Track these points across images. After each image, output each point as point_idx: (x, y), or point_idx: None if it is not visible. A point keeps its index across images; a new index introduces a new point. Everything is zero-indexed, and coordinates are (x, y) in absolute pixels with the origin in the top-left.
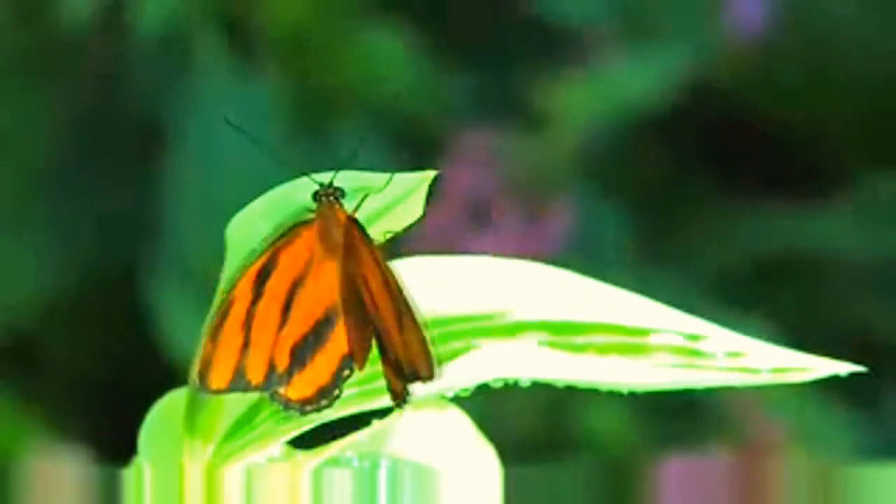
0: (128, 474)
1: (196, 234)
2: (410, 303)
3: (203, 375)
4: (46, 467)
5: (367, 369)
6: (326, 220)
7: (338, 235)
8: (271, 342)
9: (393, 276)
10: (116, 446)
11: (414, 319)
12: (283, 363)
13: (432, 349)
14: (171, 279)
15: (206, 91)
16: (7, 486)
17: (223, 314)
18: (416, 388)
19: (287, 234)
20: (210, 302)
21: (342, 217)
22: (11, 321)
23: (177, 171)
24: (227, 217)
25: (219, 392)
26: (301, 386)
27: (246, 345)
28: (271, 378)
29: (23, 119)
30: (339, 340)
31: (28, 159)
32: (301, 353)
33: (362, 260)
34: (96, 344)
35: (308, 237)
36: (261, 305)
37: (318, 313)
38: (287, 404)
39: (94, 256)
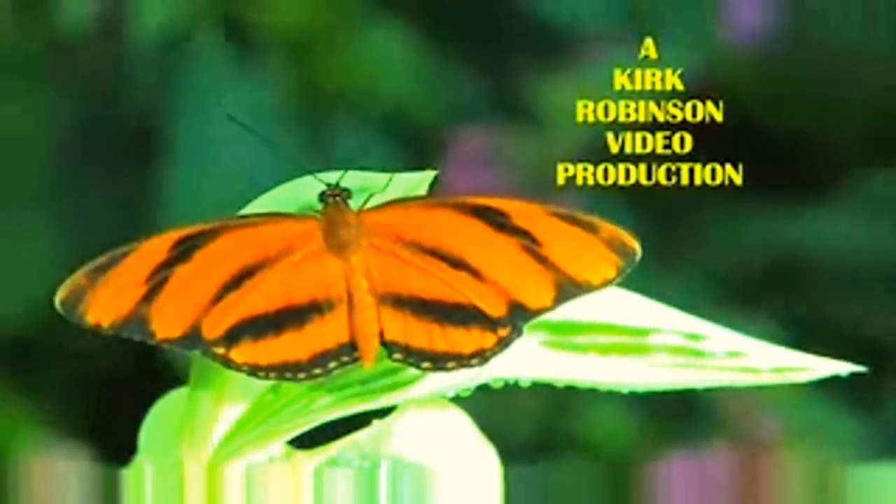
0: (128, 474)
1: None
2: (452, 254)
3: (73, 305)
4: (46, 467)
5: (368, 369)
6: (333, 220)
7: (345, 235)
8: (200, 307)
9: (431, 233)
10: (116, 446)
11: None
12: (216, 330)
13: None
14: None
15: (206, 91)
16: (7, 485)
17: (115, 259)
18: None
19: (242, 218)
20: None
21: (350, 217)
22: (12, 321)
23: (176, 172)
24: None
25: (96, 328)
26: (256, 353)
27: (148, 297)
28: (193, 339)
29: (23, 120)
30: (329, 328)
31: (28, 160)
32: (257, 327)
33: (391, 251)
34: (96, 344)
35: (285, 229)
36: (184, 270)
37: (299, 299)
38: (228, 363)
39: (94, 256)
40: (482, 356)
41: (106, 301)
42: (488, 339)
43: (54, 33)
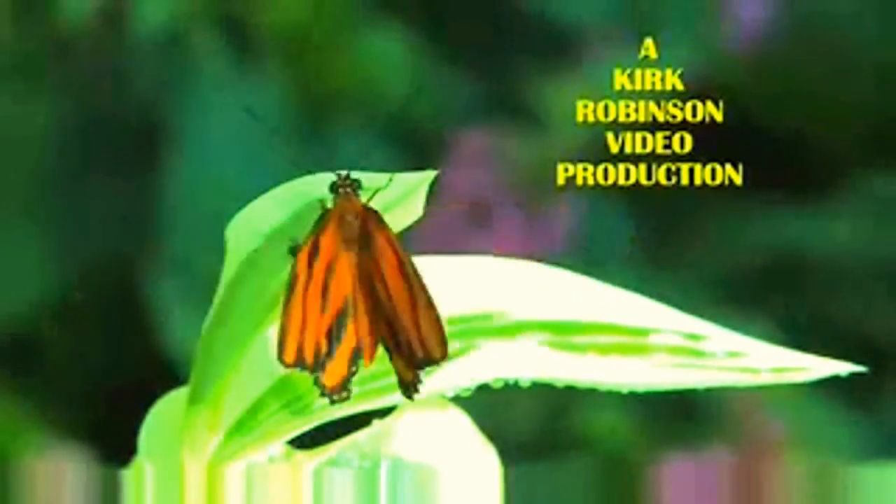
0: (128, 474)
1: (196, 234)
2: (424, 287)
3: (279, 349)
4: (46, 467)
5: (368, 369)
6: (344, 211)
7: (355, 227)
8: (317, 325)
9: (409, 260)
10: (116, 446)
11: (428, 299)
12: (324, 348)
13: (443, 330)
14: (171, 279)
15: (206, 91)
16: (7, 486)
17: (290, 290)
18: (427, 377)
19: (322, 219)
20: (210, 302)
21: (359, 208)
22: (11, 321)
23: (177, 171)
24: (227, 217)
25: (290, 366)
26: (330, 374)
27: (304, 323)
28: (318, 360)
29: (23, 119)
30: (351, 334)
31: (28, 159)
32: (330, 342)
33: (378, 247)
34: (96, 344)
35: (333, 226)
36: (310, 287)
37: (339, 304)
38: (322, 390)
39: (95, 256)
40: (404, 388)
41: (289, 337)
42: (409, 373)
43: (54, 32)
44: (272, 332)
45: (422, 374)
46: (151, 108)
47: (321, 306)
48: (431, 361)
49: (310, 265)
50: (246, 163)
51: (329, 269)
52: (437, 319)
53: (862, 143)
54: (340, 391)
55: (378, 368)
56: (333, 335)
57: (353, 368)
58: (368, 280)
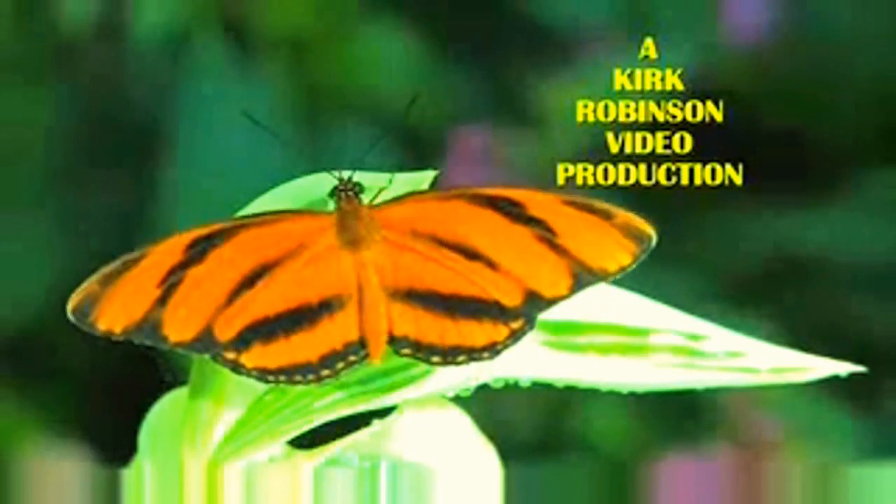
0: (128, 474)
1: None
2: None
3: (84, 312)
4: (46, 467)
5: (368, 369)
6: (346, 214)
7: (358, 230)
8: (213, 309)
9: (454, 226)
10: (116, 446)
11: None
12: (228, 332)
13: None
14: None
15: (206, 91)
16: (7, 485)
17: (128, 264)
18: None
19: (257, 217)
20: None
21: (363, 211)
22: (12, 321)
23: (177, 171)
24: (227, 217)
25: (108, 334)
26: (266, 357)
27: (162, 301)
28: (206, 342)
29: (24, 119)
30: (338, 327)
31: (28, 159)
32: (269, 329)
33: (405, 245)
34: (97, 344)
35: (300, 225)
36: (197, 271)
37: (311, 298)
38: (238, 369)
39: (95, 256)
40: (493, 349)
41: (118, 307)
42: (500, 332)
43: (55, 33)
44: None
45: (526, 318)
46: (152, 109)
47: (229, 295)
48: (551, 300)
49: (200, 252)
50: (246, 163)
51: (271, 265)
52: (519, 254)
53: (862, 142)
54: (291, 373)
55: (378, 368)
56: (281, 324)
57: (352, 359)
58: (394, 275)
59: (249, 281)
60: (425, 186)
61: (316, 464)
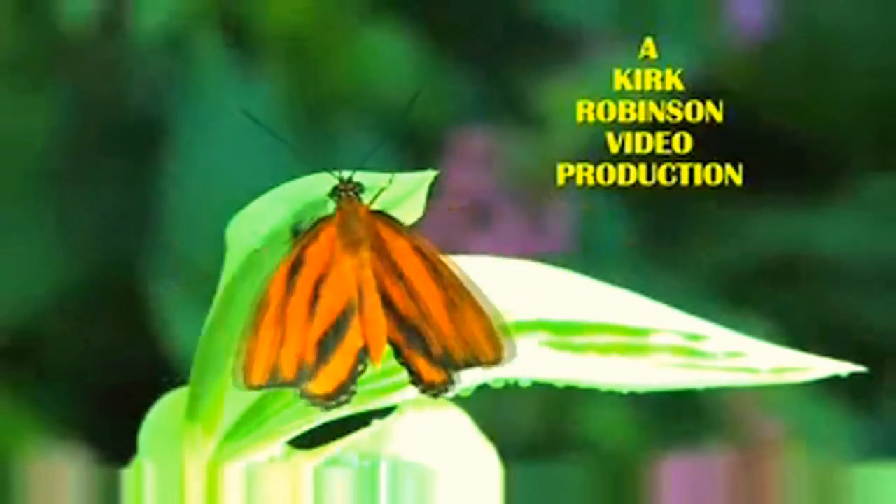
0: (128, 474)
1: (196, 234)
2: (467, 287)
3: (244, 371)
4: (46, 467)
5: (368, 369)
6: (346, 215)
7: (358, 230)
8: (301, 338)
9: (443, 263)
10: (116, 446)
11: (473, 304)
12: (310, 358)
13: (499, 331)
14: (171, 279)
15: (207, 91)
16: (7, 486)
17: (262, 310)
18: (468, 375)
19: (311, 229)
20: (210, 302)
21: (362, 212)
22: (12, 321)
23: (177, 171)
24: (227, 217)
25: (257, 388)
26: (324, 381)
27: (281, 341)
28: (302, 373)
29: (23, 119)
30: (354, 335)
31: (29, 159)
32: (324, 349)
33: (395, 250)
34: (96, 344)
35: (329, 232)
36: (292, 301)
37: (338, 308)
38: (312, 399)
39: (95, 256)
40: (433, 389)
41: (259, 358)
42: (439, 374)
43: (55, 32)
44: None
45: (456, 374)
46: (151, 108)
47: (307, 317)
48: (480, 364)
49: (290, 280)
50: (246, 163)
51: (320, 279)
52: (487, 325)
53: (862, 142)
54: (337, 396)
55: (378, 369)
56: (329, 341)
57: (361, 368)
58: (379, 281)
59: (314, 302)
60: (425, 187)
61: (316, 464)
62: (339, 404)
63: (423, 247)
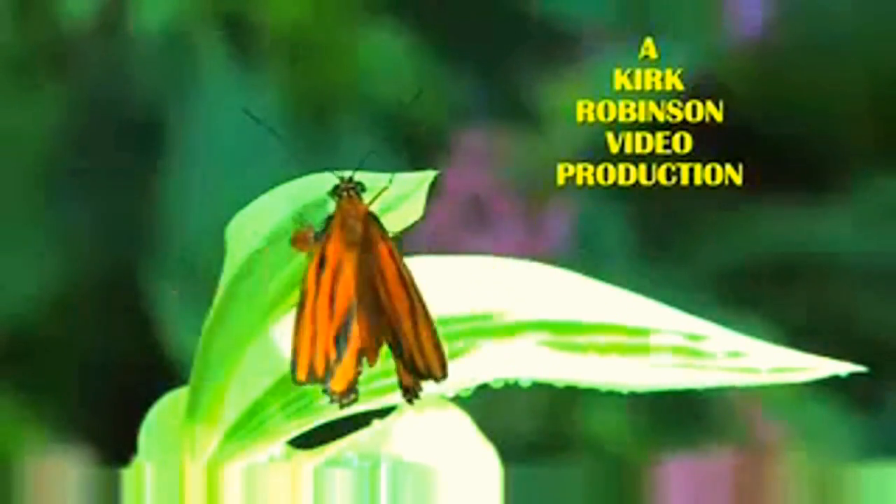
0: (128, 474)
1: (196, 234)
2: (422, 300)
3: (292, 368)
4: (46, 467)
5: (368, 369)
6: (347, 214)
7: (358, 229)
8: (325, 335)
9: (408, 272)
10: (116, 446)
11: (426, 317)
12: (332, 355)
13: (443, 348)
14: (172, 279)
15: (207, 91)
16: (7, 486)
17: (300, 308)
18: (427, 386)
19: (327, 226)
20: (210, 302)
21: (361, 211)
22: (12, 321)
23: (177, 171)
24: (227, 217)
25: (303, 384)
26: (339, 379)
27: (313, 338)
28: (328, 370)
29: (23, 119)
30: (356, 335)
31: (29, 159)
32: (339, 347)
33: (379, 254)
34: (97, 344)
35: (336, 231)
36: (319, 299)
37: (345, 307)
38: (332, 397)
39: (95, 256)
40: (406, 393)
41: (300, 356)
42: (409, 378)
43: (55, 32)
44: (280, 342)
45: (422, 382)
46: (152, 108)
47: (329, 315)
48: (431, 377)
49: (318, 277)
50: (246, 163)
51: (335, 276)
52: (435, 340)
53: (862, 142)
54: (349, 394)
55: (378, 368)
56: (341, 340)
57: (360, 369)
58: (371, 282)
59: (332, 301)
60: (425, 187)
61: (316, 464)
62: (349, 403)
63: (395, 252)
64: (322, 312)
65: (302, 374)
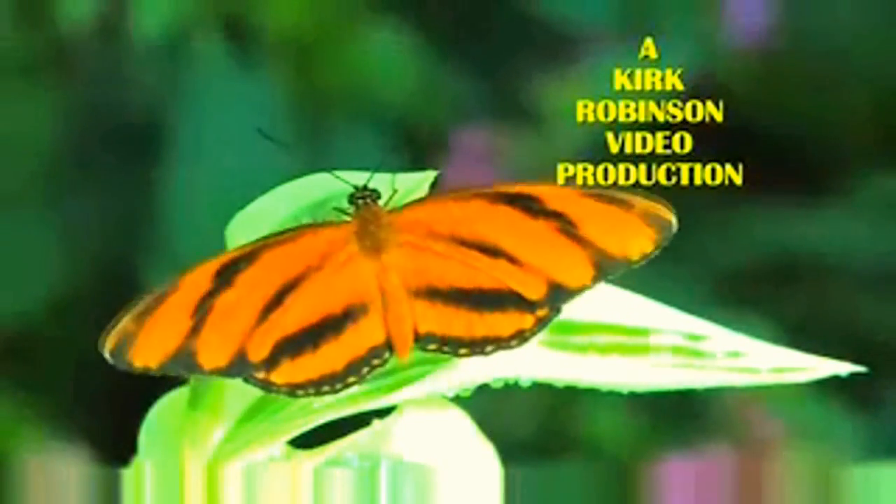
0: (128, 474)
1: (196, 234)
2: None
3: (121, 351)
4: (46, 467)
5: (369, 369)
6: (366, 221)
7: (380, 235)
8: (243, 332)
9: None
10: (116, 446)
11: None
12: (261, 352)
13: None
14: (171, 279)
15: (207, 91)
16: (6, 485)
17: (159, 298)
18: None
19: (279, 235)
20: None
21: (383, 216)
22: (12, 320)
23: (177, 171)
24: (227, 217)
25: (145, 370)
26: (294, 372)
27: (195, 330)
28: (240, 365)
29: (24, 121)
30: (363, 333)
31: (30, 160)
32: (297, 343)
33: (425, 246)
34: (97, 344)
35: (322, 238)
36: (227, 297)
37: (335, 308)
38: (268, 387)
39: (95, 256)
40: (521, 337)
41: (154, 342)
42: (527, 321)
43: (55, 33)
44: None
45: (551, 306)
46: (152, 109)
47: (258, 316)
48: (575, 290)
49: (225, 278)
50: (246, 163)
51: (294, 282)
52: (541, 248)
53: (862, 142)
54: (319, 385)
55: (405, 362)
56: (308, 337)
57: (374, 363)
58: (413, 277)
59: (277, 300)
60: (426, 187)
61: (316, 464)
62: (320, 393)
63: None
64: (235, 310)
65: (147, 361)
